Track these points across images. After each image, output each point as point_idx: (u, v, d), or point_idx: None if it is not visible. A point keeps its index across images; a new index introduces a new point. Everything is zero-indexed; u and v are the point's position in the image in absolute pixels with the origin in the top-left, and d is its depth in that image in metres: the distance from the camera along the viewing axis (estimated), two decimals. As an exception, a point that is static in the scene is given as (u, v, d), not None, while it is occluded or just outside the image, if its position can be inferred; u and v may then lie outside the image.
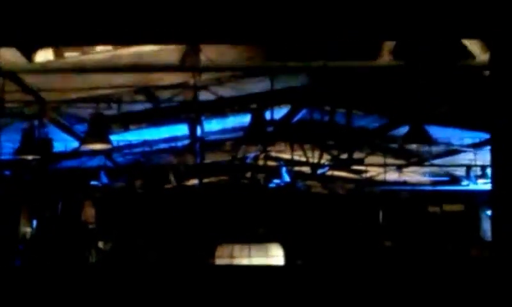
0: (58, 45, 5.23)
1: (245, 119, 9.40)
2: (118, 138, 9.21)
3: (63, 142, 8.34)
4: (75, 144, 8.23)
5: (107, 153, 9.24)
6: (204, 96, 7.51)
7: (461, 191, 14.37)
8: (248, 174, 16.44)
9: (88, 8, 3.00)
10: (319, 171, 10.98)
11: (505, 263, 3.01)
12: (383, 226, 17.01)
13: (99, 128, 6.38)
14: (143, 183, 15.68)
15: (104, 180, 9.91)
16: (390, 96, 8.25)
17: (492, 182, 3.14)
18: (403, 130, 9.74)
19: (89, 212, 16.97)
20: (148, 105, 7.50)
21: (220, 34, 3.22)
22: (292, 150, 10.35)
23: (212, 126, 9.51)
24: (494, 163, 3.17)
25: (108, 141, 6.61)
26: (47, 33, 3.14)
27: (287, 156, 11.75)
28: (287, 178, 10.69)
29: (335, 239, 15.97)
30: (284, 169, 10.72)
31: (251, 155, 12.05)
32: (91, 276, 5.45)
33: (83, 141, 6.69)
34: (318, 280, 4.99)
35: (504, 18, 2.94)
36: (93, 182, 9.94)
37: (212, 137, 10.43)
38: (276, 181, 10.94)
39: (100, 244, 16.28)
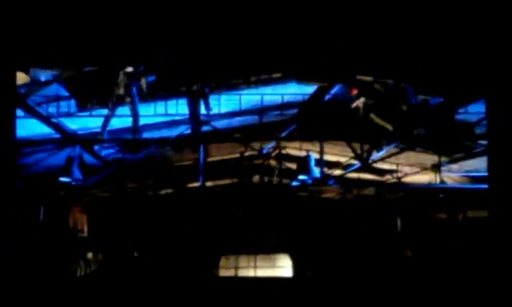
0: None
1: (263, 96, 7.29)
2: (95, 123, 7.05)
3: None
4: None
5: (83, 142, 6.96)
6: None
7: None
8: (256, 178, 14.71)
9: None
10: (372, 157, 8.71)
11: (506, 263, 3.19)
12: (402, 234, 15.71)
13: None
14: (139, 185, 14.10)
15: (77, 175, 7.70)
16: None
17: (490, 182, 3.35)
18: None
19: (79, 219, 15.90)
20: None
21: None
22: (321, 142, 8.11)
23: (220, 104, 7.28)
24: (492, 163, 3.37)
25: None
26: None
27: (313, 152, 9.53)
28: (316, 173, 8.51)
29: (349, 248, 14.98)
30: (313, 161, 8.52)
31: (267, 147, 9.92)
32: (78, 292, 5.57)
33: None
34: (330, 294, 5.24)
35: (504, 19, 3.19)
36: (62, 178, 7.74)
37: (220, 124, 8.21)
38: (302, 177, 8.72)
39: (90, 255, 15.24)
